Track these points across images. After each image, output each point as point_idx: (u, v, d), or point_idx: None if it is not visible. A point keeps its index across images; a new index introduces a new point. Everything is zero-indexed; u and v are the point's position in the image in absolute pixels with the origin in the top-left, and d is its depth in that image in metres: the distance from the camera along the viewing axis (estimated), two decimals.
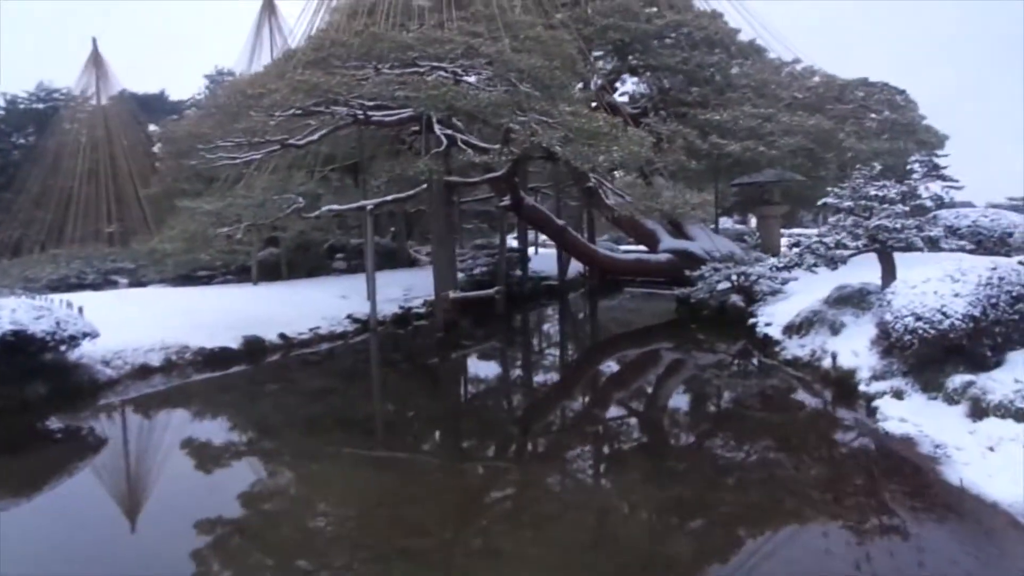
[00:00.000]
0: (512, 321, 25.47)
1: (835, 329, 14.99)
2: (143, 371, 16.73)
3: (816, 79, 25.09)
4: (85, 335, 14.98)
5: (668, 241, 26.62)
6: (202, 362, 17.86)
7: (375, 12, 21.21)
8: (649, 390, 16.10)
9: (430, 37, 16.93)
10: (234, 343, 18.81)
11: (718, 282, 21.06)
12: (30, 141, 78.25)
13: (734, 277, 20.90)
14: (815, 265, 15.34)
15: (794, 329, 16.37)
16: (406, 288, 27.67)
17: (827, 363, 13.80)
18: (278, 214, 19.99)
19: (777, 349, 16.32)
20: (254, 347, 19.05)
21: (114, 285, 34.15)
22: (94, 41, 44.81)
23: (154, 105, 64.50)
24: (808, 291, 19.20)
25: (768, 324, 17.91)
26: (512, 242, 32.87)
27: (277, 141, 18.43)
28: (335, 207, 21.46)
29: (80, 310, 15.48)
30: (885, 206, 15.07)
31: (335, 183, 31.41)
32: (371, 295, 22.00)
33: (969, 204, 31.03)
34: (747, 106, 22.89)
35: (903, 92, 23.21)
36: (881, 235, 14.78)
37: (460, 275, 29.41)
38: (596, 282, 31.60)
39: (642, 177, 27.73)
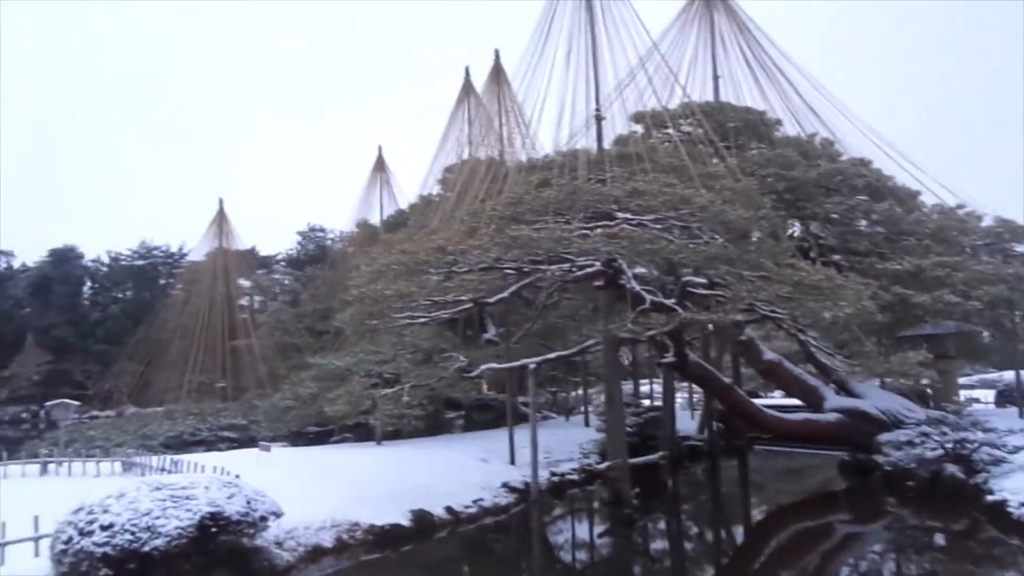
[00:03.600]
0: (680, 490, 23.20)
1: None
2: (316, 552, 15.09)
3: (988, 222, 23.64)
4: (274, 515, 13.50)
5: (835, 399, 24.41)
6: (373, 541, 16.19)
7: (549, 168, 20.83)
8: None
9: (635, 189, 16.15)
10: (403, 519, 17.13)
11: (932, 449, 18.66)
12: (127, 296, 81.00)
13: (950, 444, 18.50)
14: None
15: None
16: (543, 449, 25.83)
17: None
18: (441, 374, 18.66)
19: None
20: (423, 523, 17.34)
21: (231, 442, 33.17)
22: (220, 202, 46.41)
23: (245, 260, 66.04)
24: None
25: (1023, 504, 15.37)
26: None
27: (470, 299, 17.43)
28: (495, 365, 20.13)
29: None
30: None
31: (452, 338, 30.51)
32: (534, 463, 20.25)
33: None
34: (931, 255, 21.39)
35: None
36: None
37: (601, 434, 27.55)
38: (731, 441, 29.23)
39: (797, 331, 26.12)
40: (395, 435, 29.74)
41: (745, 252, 15.17)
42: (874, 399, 24.26)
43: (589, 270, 16.67)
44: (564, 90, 21.48)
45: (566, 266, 16.25)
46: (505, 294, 17.72)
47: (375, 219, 46.67)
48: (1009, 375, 31.21)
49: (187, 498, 12.10)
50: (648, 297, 15.58)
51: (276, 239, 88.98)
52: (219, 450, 30.52)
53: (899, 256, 22.18)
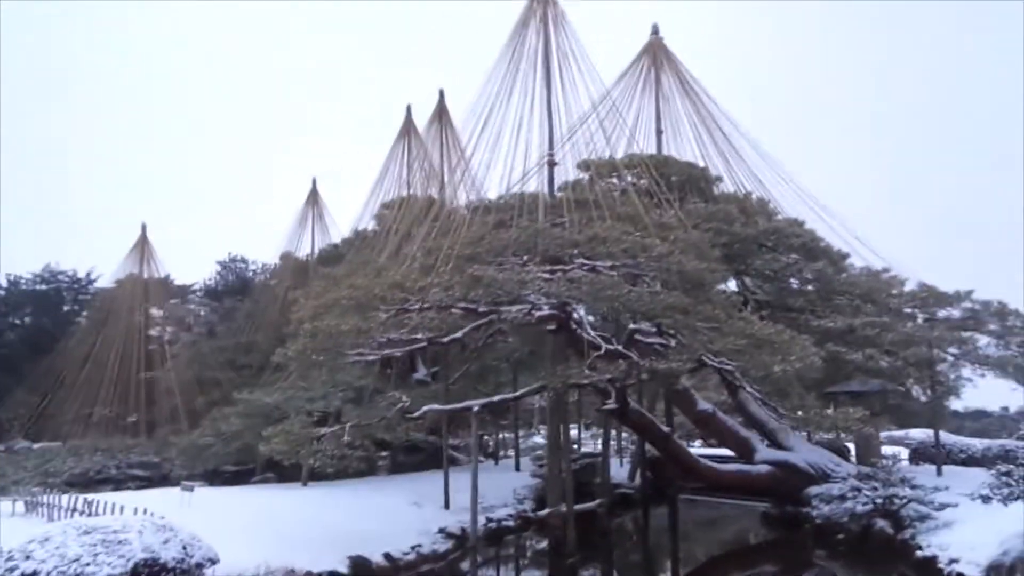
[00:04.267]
0: (617, 539, 23.08)
1: None
2: None
3: (911, 286, 24.83)
4: (210, 561, 12.67)
5: (765, 452, 24.90)
6: None
7: (505, 210, 20.74)
8: None
9: (595, 235, 16.22)
10: (340, 565, 16.48)
11: (863, 504, 19.15)
12: (26, 322, 76.14)
13: (880, 499, 19.03)
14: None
15: (1004, 571, 14.38)
16: (479, 494, 25.34)
17: None
18: (384, 414, 18.10)
19: None
20: (361, 570, 16.68)
21: (141, 481, 31.26)
22: (143, 227, 44.42)
23: (158, 288, 62.94)
24: (973, 520, 17.47)
25: (954, 561, 15.87)
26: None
27: (425, 338, 17.00)
28: (437, 407, 19.69)
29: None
30: None
31: (382, 378, 29.85)
32: (474, 509, 19.80)
33: None
34: (861, 315, 22.28)
35: (1017, 314, 22.79)
36: None
37: (537, 480, 27.22)
38: (662, 489, 29.40)
39: (728, 388, 26.59)
40: (319, 476, 28.71)
41: (700, 303, 15.42)
42: (803, 452, 24.85)
43: (544, 313, 16.60)
44: (516, 133, 21.62)
45: (525, 308, 16.13)
46: (459, 334, 17.43)
47: (306, 252, 45.63)
48: (915, 433, 32.65)
49: (119, 543, 11.24)
50: (602, 344, 15.59)
51: (196, 269, 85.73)
52: (129, 489, 28.71)
53: (831, 315, 23.02)
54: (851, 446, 29.85)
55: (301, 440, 16.39)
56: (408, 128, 40.56)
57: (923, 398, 24.47)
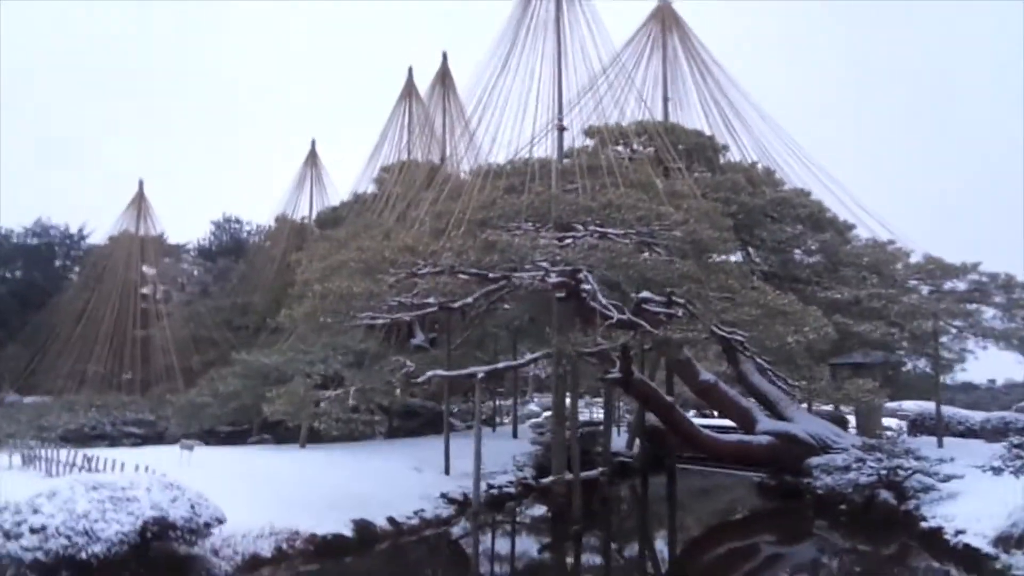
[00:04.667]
0: (620, 506, 23.14)
1: None
2: (254, 562, 14.12)
3: (916, 258, 24.72)
4: (217, 521, 12.53)
5: (767, 422, 24.90)
6: (313, 551, 15.35)
7: (517, 174, 20.39)
8: None
9: (609, 202, 15.93)
10: (345, 528, 16.32)
11: (867, 475, 19.16)
12: (17, 276, 75.37)
13: (884, 471, 19.05)
14: None
15: (1012, 542, 14.36)
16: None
17: None
18: (388, 378, 17.92)
19: (998, 567, 14.21)
20: (365, 533, 16.57)
21: (136, 439, 31.10)
22: (140, 183, 43.72)
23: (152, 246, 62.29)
24: (978, 492, 17.51)
25: (960, 532, 15.88)
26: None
27: (438, 303, 16.75)
28: (442, 372, 19.50)
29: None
30: None
31: (381, 342, 29.66)
32: (476, 474, 19.68)
33: None
34: (868, 286, 22.16)
35: (1022, 284, 22.74)
36: None
37: (536, 447, 27.22)
38: (660, 458, 29.49)
39: (727, 355, 26.54)
40: (317, 438, 28.64)
41: (713, 272, 15.23)
42: (804, 423, 24.86)
43: (556, 280, 16.35)
44: (524, 97, 21.20)
45: (539, 274, 15.89)
46: (470, 299, 17.20)
47: (302, 214, 45.14)
48: (908, 405, 32.79)
49: (128, 500, 11.06)
50: (615, 313, 15.40)
51: (191, 228, 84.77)
52: (123, 446, 28.54)
53: (837, 286, 22.88)
54: (850, 418, 30.01)
55: (305, 402, 16.16)
56: (409, 91, 39.93)
57: (927, 370, 24.42)
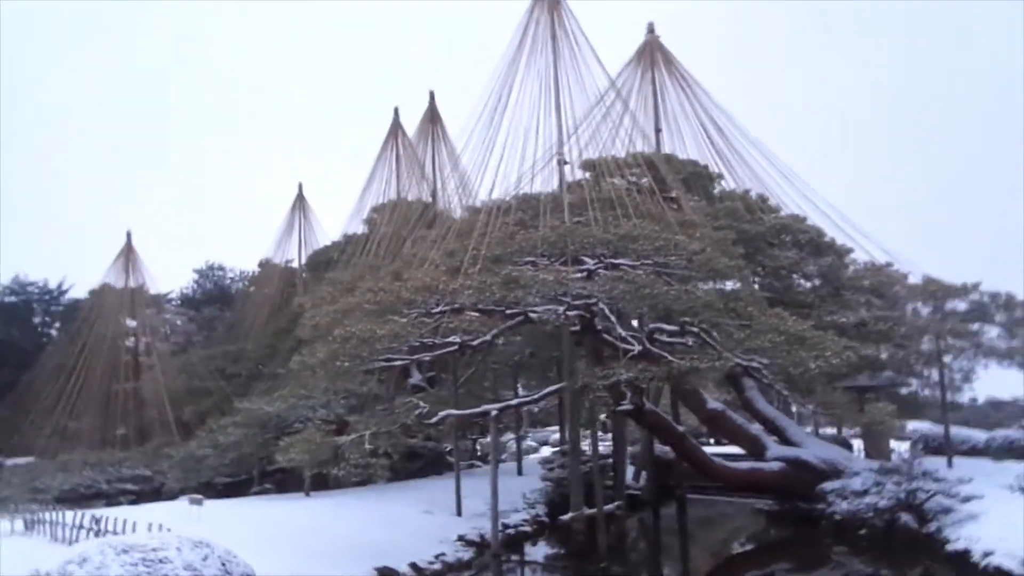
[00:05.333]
0: (638, 540, 22.86)
1: None
2: None
3: (914, 279, 24.92)
4: None
5: (776, 448, 24.78)
6: None
7: (524, 210, 20.41)
8: None
9: (627, 233, 15.95)
10: None
11: (887, 498, 19.10)
12: None
13: (903, 493, 19.00)
14: None
15: None
16: (486, 500, 24.91)
17: None
18: (405, 419, 17.67)
19: None
20: None
21: (133, 496, 30.42)
22: (128, 235, 43.35)
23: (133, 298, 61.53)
24: (999, 512, 17.52)
25: (988, 553, 15.82)
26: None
27: (459, 342, 16.59)
28: (454, 412, 19.27)
29: None
30: None
31: (382, 384, 29.37)
32: (494, 514, 19.37)
33: None
34: (872, 308, 22.34)
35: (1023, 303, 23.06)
36: None
37: (546, 483, 26.88)
38: (670, 489, 29.30)
39: (732, 383, 26.50)
40: (322, 485, 28.15)
41: (732, 300, 15.26)
42: (813, 448, 24.80)
43: (574, 313, 16.29)
44: (524, 132, 21.31)
45: (560, 308, 15.82)
46: (488, 336, 17.05)
47: (290, 258, 44.93)
48: (913, 425, 32.80)
49: (160, 561, 10.66)
50: (635, 344, 15.35)
51: (174, 278, 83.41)
52: (120, 504, 27.85)
53: (840, 310, 23.03)
54: (854, 441, 30.03)
55: (322, 449, 15.87)
56: (396, 130, 40.15)
57: (926, 391, 24.53)
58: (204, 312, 58.99)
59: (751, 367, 16.47)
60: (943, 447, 25.53)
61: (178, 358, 43.05)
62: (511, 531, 21.66)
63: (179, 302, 73.20)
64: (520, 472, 32.02)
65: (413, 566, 17.05)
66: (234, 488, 31.20)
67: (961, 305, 23.27)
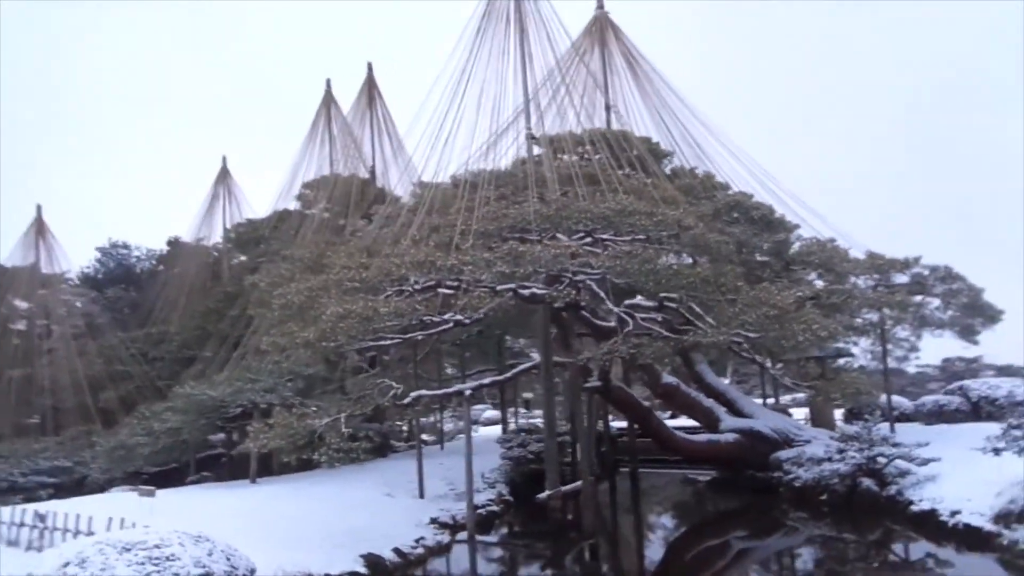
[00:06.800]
0: (607, 514, 23.02)
1: None
2: None
3: (856, 253, 25.88)
4: (251, 571, 11.42)
5: (730, 420, 25.37)
6: None
7: (506, 184, 19.82)
8: None
9: (625, 208, 15.71)
10: (358, 565, 15.37)
11: (852, 464, 19.80)
12: None
13: (863, 460, 19.74)
14: None
15: (1012, 519, 15.12)
16: (446, 481, 24.50)
17: None
18: (379, 400, 17.02)
19: (1004, 542, 14.90)
20: (378, 568, 15.63)
21: (54, 489, 28.42)
22: (39, 209, 40.12)
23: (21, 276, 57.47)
24: (956, 474, 18.41)
25: (956, 512, 16.60)
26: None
27: (442, 321, 15.95)
28: (427, 392, 18.76)
29: None
30: None
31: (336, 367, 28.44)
32: (469, 495, 19.02)
33: None
34: (825, 282, 23.08)
35: (960, 278, 24.28)
36: None
37: (505, 462, 26.63)
38: (621, 463, 29.72)
39: (682, 357, 26.90)
40: (265, 471, 27.06)
41: (721, 275, 15.35)
42: (765, 419, 25.53)
43: (561, 290, 15.98)
44: (492, 106, 20.76)
45: (561, 284, 15.46)
46: (480, 314, 16.53)
47: (215, 234, 42.80)
48: None
49: (167, 559, 9.87)
50: (629, 321, 15.23)
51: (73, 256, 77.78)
52: (40, 499, 25.89)
53: (795, 283, 23.65)
54: (792, 411, 31.11)
55: (300, 434, 15.09)
56: (329, 103, 38.68)
57: (874, 362, 25.53)
58: (108, 293, 55.66)
59: (734, 342, 16.66)
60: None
61: (81, 342, 40.19)
62: (482, 512, 21.34)
63: (78, 282, 68.73)
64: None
65: (397, 551, 16.54)
66: (164, 477, 29.66)
67: (903, 278, 24.33)
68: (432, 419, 42.98)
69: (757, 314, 14.67)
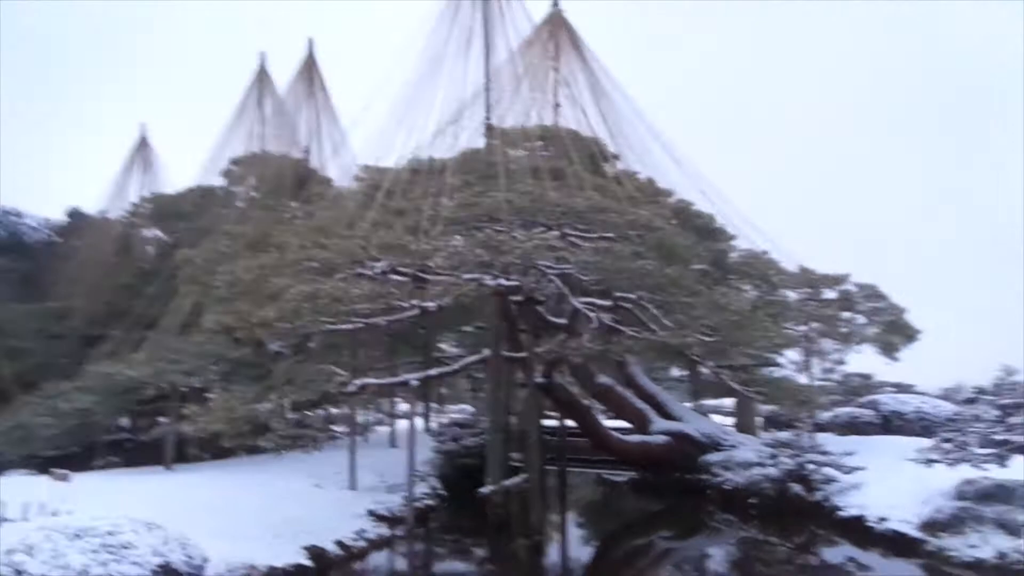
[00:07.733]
0: (553, 513, 23.12)
1: (1012, 530, 14.75)
2: None
3: (788, 266, 26.72)
4: (205, 560, 10.76)
5: (661, 423, 25.84)
6: None
7: (467, 172, 19.29)
8: None
9: (598, 205, 15.56)
10: (302, 557, 14.72)
11: (782, 469, 20.44)
12: None
13: (794, 466, 20.42)
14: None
15: (938, 527, 15.89)
16: (376, 473, 23.92)
17: None
18: (326, 386, 16.39)
19: (930, 549, 15.63)
20: (322, 561, 15.05)
21: None
22: None
23: None
24: (881, 482, 19.24)
25: (883, 519, 17.34)
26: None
27: (415, 306, 15.38)
28: (372, 380, 18.21)
29: None
30: None
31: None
32: (410, 488, 18.68)
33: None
34: (754, 291, 23.81)
35: (885, 297, 25.42)
36: None
37: (436, 455, 26.20)
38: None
39: (617, 362, 27.17)
40: (179, 458, 25.80)
41: (683, 277, 15.50)
42: (694, 423, 26.14)
43: (514, 283, 15.76)
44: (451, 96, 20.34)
45: (534, 277, 15.23)
46: (445, 301, 16.05)
47: (129, 206, 40.28)
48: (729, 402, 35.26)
49: (123, 547, 9.21)
50: (593, 317, 15.19)
51: None
52: None
53: (732, 292, 24.19)
54: (713, 416, 31.92)
55: (243, 417, 14.34)
56: (262, 78, 37.19)
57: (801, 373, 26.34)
58: None
59: (684, 343, 16.89)
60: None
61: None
62: (417, 504, 20.90)
63: None
64: (393, 444, 31.10)
65: (340, 544, 15.97)
66: (64, 461, 27.76)
67: (832, 294, 25.31)
68: (347, 410, 42.21)
69: (719, 318, 14.92)
